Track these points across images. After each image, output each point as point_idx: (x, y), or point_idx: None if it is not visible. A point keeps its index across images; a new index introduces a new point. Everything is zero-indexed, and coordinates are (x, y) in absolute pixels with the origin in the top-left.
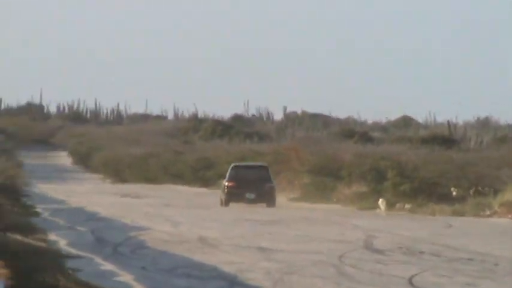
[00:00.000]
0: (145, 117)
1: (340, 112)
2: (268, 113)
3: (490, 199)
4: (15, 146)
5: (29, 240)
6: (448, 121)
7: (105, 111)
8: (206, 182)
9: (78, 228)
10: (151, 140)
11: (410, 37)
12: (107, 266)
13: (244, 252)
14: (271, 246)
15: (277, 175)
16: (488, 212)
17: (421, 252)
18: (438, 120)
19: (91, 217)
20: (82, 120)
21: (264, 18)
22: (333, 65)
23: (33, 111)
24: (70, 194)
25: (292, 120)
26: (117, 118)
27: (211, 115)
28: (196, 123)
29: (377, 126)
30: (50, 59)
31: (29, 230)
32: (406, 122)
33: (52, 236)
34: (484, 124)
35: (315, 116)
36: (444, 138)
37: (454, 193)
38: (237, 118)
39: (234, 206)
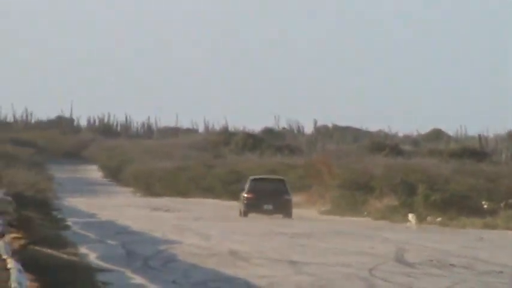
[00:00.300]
0: (175, 131)
1: (370, 125)
2: (298, 126)
3: None
4: (46, 160)
5: (59, 253)
6: (479, 134)
7: (135, 124)
8: (237, 196)
9: (109, 241)
10: (181, 154)
11: (441, 50)
12: (138, 280)
13: (275, 265)
14: (302, 259)
15: (308, 188)
16: None
17: (452, 265)
18: (469, 133)
19: (122, 230)
20: (112, 134)
21: (294, 30)
22: (363, 79)
23: (63, 124)
24: (101, 207)
25: (323, 133)
26: (148, 131)
27: (241, 128)
28: (226, 136)
29: (408, 139)
30: (80, 72)
31: (59, 243)
32: (437, 135)
33: (83, 250)
34: None
35: (346, 129)
36: (475, 151)
37: (485, 206)
38: (268, 131)
39: (263, 219)
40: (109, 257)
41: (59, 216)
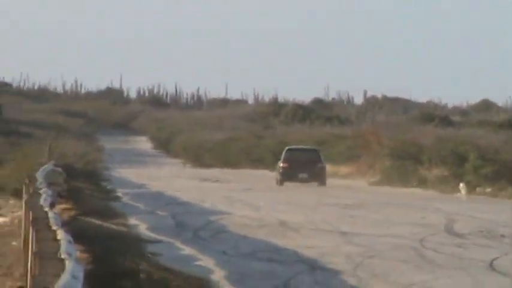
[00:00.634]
0: (225, 102)
1: (420, 96)
2: (348, 97)
3: None
4: (95, 131)
5: (109, 224)
6: None
7: (185, 95)
8: None
9: (159, 212)
10: (231, 125)
11: (489, 21)
12: (187, 251)
13: (325, 236)
14: (352, 230)
15: (357, 159)
16: None
17: (502, 236)
18: None
19: (171, 201)
20: (162, 105)
21: (347, 2)
22: (413, 49)
23: (113, 95)
24: (150, 178)
25: (373, 104)
26: (197, 103)
27: (291, 99)
28: (276, 107)
29: (457, 110)
30: (129, 43)
31: (109, 214)
32: (487, 105)
33: (132, 221)
34: None
35: (395, 100)
36: None
37: None
38: (318, 102)
39: (316, 190)
40: (159, 228)
41: (109, 187)
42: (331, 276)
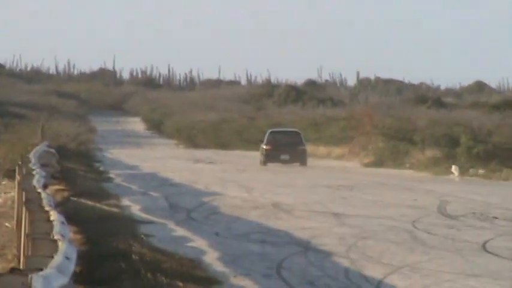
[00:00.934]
0: (218, 83)
1: (413, 78)
2: (341, 79)
3: None
4: (88, 112)
5: (101, 205)
6: None
7: (178, 77)
8: None
9: (151, 193)
10: (224, 106)
11: (482, 2)
12: (180, 232)
13: (318, 217)
14: (345, 211)
15: (350, 140)
16: None
17: (495, 218)
18: None
19: (164, 182)
20: (155, 86)
21: None
22: (406, 31)
23: (106, 76)
24: (143, 159)
25: (366, 85)
26: (190, 84)
27: (284, 80)
28: (269, 88)
29: (450, 92)
30: (122, 24)
31: (102, 195)
32: (480, 87)
33: (125, 202)
34: None
35: (388, 82)
36: None
37: None
38: (310, 83)
39: (308, 172)
40: (151, 209)
41: (102, 168)
42: (324, 257)
